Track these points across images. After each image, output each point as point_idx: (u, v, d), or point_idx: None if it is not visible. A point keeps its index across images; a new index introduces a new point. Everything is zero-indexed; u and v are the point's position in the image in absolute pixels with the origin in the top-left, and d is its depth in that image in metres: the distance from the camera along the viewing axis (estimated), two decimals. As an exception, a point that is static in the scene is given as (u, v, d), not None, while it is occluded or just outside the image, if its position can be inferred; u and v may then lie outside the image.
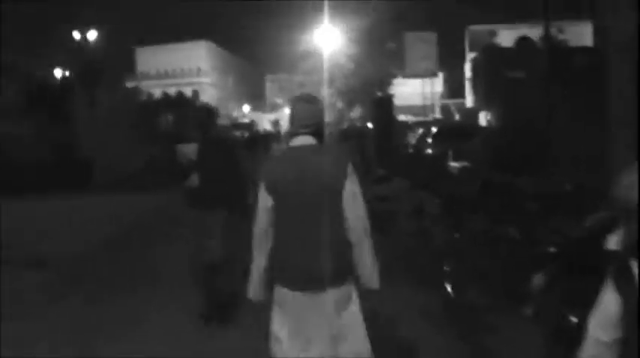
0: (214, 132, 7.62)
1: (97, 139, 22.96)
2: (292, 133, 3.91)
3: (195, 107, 44.16)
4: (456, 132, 22.72)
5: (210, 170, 7.31)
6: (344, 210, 3.68)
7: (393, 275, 8.28)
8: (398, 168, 16.98)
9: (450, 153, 17.26)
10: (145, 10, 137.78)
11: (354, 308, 3.80)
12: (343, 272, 3.73)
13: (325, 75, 40.77)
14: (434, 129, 24.65)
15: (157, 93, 61.98)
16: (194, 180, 7.40)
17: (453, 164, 15.96)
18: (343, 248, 3.71)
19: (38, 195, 19.25)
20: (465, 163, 14.90)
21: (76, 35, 37.89)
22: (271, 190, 3.73)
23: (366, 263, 3.78)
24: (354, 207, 3.71)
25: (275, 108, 76.35)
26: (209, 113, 7.81)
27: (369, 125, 31.58)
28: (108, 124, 24.12)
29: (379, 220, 12.33)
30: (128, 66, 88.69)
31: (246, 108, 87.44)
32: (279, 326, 3.79)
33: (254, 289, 3.95)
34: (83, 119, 24.76)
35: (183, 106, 39.86)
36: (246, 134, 55.12)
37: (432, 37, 61.29)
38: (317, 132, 3.89)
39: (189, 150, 7.53)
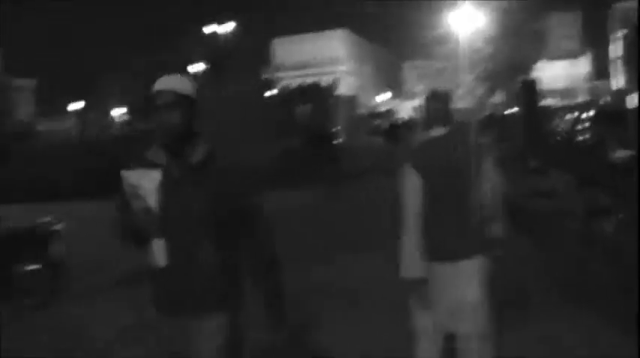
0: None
1: (226, 134, 22.15)
2: (427, 126, 4.36)
3: (332, 97, 43.85)
4: (614, 116, 20.70)
5: None
6: (482, 190, 4.22)
7: (565, 303, 6.45)
8: (551, 158, 15.40)
9: (610, 140, 15.49)
10: (281, 1, 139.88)
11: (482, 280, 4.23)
12: (482, 242, 4.24)
13: (464, 60, 39.08)
14: (585, 114, 22.68)
15: (294, 84, 62.25)
16: None
17: (617, 153, 14.22)
18: (481, 222, 4.24)
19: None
20: (631, 152, 13.15)
21: (212, 29, 38.06)
22: (420, 173, 4.17)
23: (499, 233, 4.34)
24: (491, 189, 4.26)
25: (413, 95, 75.13)
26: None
27: (512, 111, 29.78)
28: (238, 118, 23.51)
29: (535, 219, 10.86)
30: (265, 58, 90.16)
31: (384, 96, 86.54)
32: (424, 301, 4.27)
33: (411, 267, 4.19)
34: (212, 113, 24.36)
35: (321, 96, 39.31)
36: (384, 122, 54.78)
37: (576, 17, 58.01)
38: (448, 123, 4.32)
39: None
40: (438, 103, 4.36)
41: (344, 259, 9.29)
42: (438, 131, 4.29)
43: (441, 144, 4.26)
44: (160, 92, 3.15)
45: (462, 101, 39.06)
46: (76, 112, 54.49)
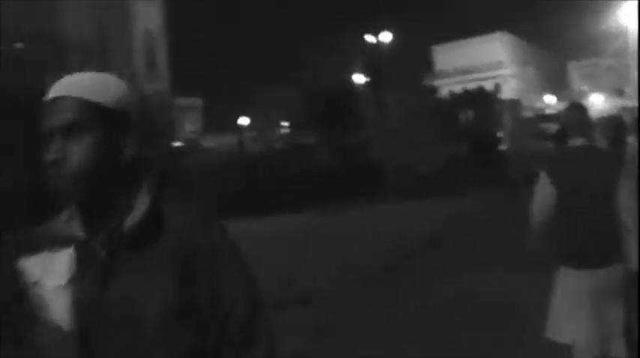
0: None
1: (390, 142, 22.76)
2: (569, 137, 4.53)
3: (496, 101, 43.66)
4: None
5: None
6: (619, 203, 4.23)
7: None
8: None
9: None
10: (439, 8, 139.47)
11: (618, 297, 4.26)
12: (617, 251, 4.26)
13: (634, 56, 37.58)
14: None
15: (458, 90, 62.13)
16: None
17: None
18: (617, 233, 4.27)
19: (330, 205, 18.25)
20: None
21: (370, 39, 38.93)
22: (555, 183, 4.37)
23: (634, 247, 4.21)
24: (629, 202, 4.22)
25: (581, 96, 72.53)
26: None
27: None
28: (402, 126, 24.17)
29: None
30: (426, 65, 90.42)
31: (549, 98, 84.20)
32: (560, 307, 4.34)
33: (536, 241, 4.48)
34: (375, 123, 25.02)
35: (485, 101, 39.30)
36: (552, 125, 53.28)
37: None
38: (588, 134, 4.51)
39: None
40: (576, 114, 4.50)
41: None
42: (576, 141, 4.41)
43: (577, 154, 4.38)
44: (53, 103, 1.73)
45: (631, 100, 37.61)
46: (241, 127, 56.79)
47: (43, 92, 1.84)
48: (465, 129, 31.92)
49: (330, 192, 19.17)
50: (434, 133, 27.12)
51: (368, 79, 32.34)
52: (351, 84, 23.89)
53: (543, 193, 4.41)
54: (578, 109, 4.63)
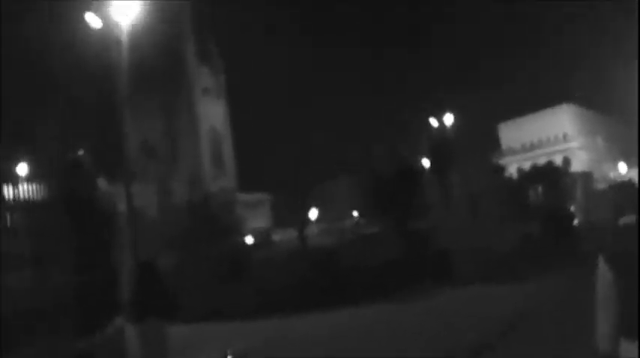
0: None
1: (458, 225, 22.21)
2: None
3: (566, 175, 42.75)
4: None
5: None
6: None
7: None
8: None
9: None
10: (501, 84, 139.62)
11: None
12: None
13: None
14: None
15: (527, 166, 61.55)
16: None
17: None
18: None
19: (400, 293, 17.70)
20: None
21: (433, 121, 38.99)
22: (610, 265, 3.85)
23: None
24: None
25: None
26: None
27: None
28: (469, 207, 23.70)
29: None
30: (493, 144, 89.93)
31: (623, 166, 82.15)
32: None
33: (607, 342, 3.88)
34: (441, 206, 24.64)
35: (554, 175, 38.58)
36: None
37: None
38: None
39: None
40: (624, 192, 4.25)
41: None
42: (628, 218, 4.09)
43: (630, 233, 3.97)
44: None
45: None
46: (308, 221, 57.11)
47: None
48: (536, 206, 31.11)
49: (400, 281, 18.70)
50: (504, 213, 26.44)
51: (432, 163, 32.12)
52: (413, 167, 23.44)
53: (604, 281, 3.95)
54: (624, 187, 4.37)
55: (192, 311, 15.51)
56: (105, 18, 20.03)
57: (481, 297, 16.85)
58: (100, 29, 20.29)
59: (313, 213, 59.11)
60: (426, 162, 31.93)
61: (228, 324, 16.76)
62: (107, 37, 20.02)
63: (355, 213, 39.38)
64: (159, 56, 63.21)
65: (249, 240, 43.73)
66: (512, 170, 53.90)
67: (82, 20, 20.33)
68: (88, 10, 20.08)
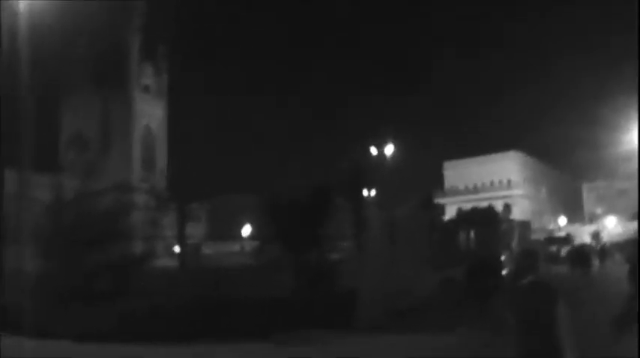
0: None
1: (370, 263, 19.86)
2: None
3: (505, 222, 41.16)
4: None
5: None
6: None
7: None
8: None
9: None
10: (451, 123, 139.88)
11: None
12: None
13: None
14: None
15: (468, 208, 60.46)
16: None
17: None
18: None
19: (289, 334, 15.59)
20: None
21: (373, 151, 37.07)
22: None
23: None
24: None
25: (594, 218, 70.13)
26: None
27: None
28: (390, 246, 21.36)
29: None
30: (435, 181, 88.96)
31: (562, 220, 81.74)
32: None
33: None
34: (355, 240, 22.40)
35: (491, 220, 36.83)
36: (563, 248, 51.10)
37: None
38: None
39: None
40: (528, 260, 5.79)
41: None
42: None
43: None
44: None
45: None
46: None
47: None
48: (464, 250, 29.10)
49: (293, 320, 16.18)
50: (425, 253, 24.27)
51: (350, 191, 29.90)
52: (322, 194, 20.96)
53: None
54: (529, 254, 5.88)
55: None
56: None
57: (378, 348, 14.55)
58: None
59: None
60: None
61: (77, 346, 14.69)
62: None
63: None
64: (102, 48, 60.69)
65: (176, 249, 41.23)
66: (452, 210, 52.44)
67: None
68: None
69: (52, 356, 14.29)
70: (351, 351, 14.34)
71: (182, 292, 18.20)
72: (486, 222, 35.73)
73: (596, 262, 36.07)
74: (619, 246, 43.81)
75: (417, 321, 17.71)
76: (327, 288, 18.00)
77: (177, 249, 34.38)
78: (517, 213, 69.77)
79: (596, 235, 56.02)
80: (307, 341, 15.16)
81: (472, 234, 33.73)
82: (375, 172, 34.56)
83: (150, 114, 66.78)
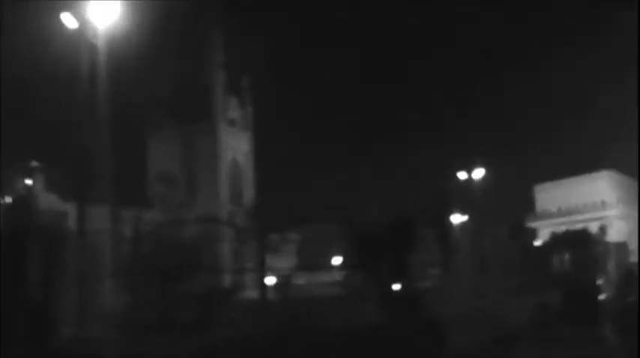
0: None
1: (458, 290, 19.17)
2: None
3: (601, 244, 39.55)
4: None
5: None
6: None
7: None
8: None
9: None
10: (540, 145, 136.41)
11: None
12: None
13: None
14: None
15: (561, 231, 58.52)
16: None
17: None
18: None
19: None
20: None
21: (464, 175, 36.29)
22: None
23: None
24: None
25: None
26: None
27: None
28: (480, 273, 20.65)
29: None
30: (527, 205, 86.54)
31: (660, 241, 78.15)
32: None
33: None
34: (442, 267, 21.78)
35: (586, 244, 35.43)
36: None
37: None
38: None
39: None
40: None
41: None
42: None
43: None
44: None
45: None
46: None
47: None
48: (558, 274, 28.00)
49: (380, 351, 15.72)
50: (518, 279, 23.42)
51: (438, 217, 29.09)
52: (409, 221, 20.37)
53: None
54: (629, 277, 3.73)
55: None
56: (82, 20, 18.12)
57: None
58: (76, 31, 18.32)
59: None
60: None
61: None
62: (81, 40, 18.10)
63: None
64: (185, 83, 62.17)
65: (269, 280, 41.36)
66: (545, 234, 50.87)
67: (58, 21, 18.44)
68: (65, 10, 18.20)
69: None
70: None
71: (267, 323, 18.07)
72: (581, 244, 34.42)
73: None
74: None
75: (511, 350, 17.02)
76: (415, 317, 17.54)
77: (266, 280, 34.38)
78: (613, 235, 67.15)
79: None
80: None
81: (567, 257, 32.55)
82: (464, 197, 33.83)
83: (236, 147, 67.74)
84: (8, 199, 23.34)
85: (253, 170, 69.54)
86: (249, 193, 67.48)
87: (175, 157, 64.81)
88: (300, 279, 47.25)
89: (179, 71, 62.97)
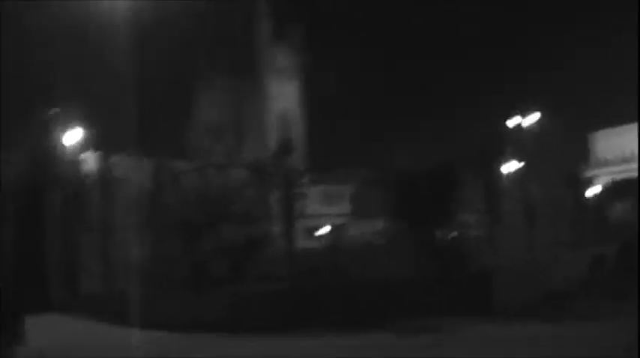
0: None
1: (506, 244, 18.08)
2: None
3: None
4: None
5: None
6: None
7: None
8: None
9: None
10: (600, 91, 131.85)
11: None
12: None
13: None
14: None
15: (616, 180, 56.71)
16: None
17: None
18: None
19: (414, 322, 14.51)
20: None
21: (517, 120, 34.74)
22: None
23: None
24: None
25: None
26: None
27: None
28: (530, 223, 19.49)
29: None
30: (583, 152, 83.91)
31: None
32: None
33: None
34: (488, 217, 20.65)
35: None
36: None
37: None
38: None
39: None
40: None
41: None
42: None
43: None
44: None
45: None
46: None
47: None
48: (616, 225, 26.70)
49: (419, 306, 14.92)
50: (580, 229, 22.28)
51: (485, 164, 27.62)
52: (449, 167, 19.22)
53: None
54: None
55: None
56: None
57: (519, 340, 13.06)
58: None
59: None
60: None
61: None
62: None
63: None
64: (229, 33, 61.27)
65: (324, 230, 41.05)
66: (603, 183, 49.12)
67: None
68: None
69: (156, 346, 14.09)
70: (486, 342, 12.94)
71: (300, 276, 17.51)
72: (637, 193, 32.86)
73: None
74: None
75: (564, 307, 16.03)
76: (458, 270, 16.59)
77: (310, 229, 33.99)
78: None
79: None
80: (435, 329, 13.93)
81: (625, 207, 31.26)
82: (517, 143, 32.45)
83: (285, 96, 66.95)
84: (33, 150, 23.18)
85: (303, 119, 68.64)
86: (298, 143, 66.78)
87: (222, 108, 64.32)
88: (349, 229, 46.90)
89: (225, 21, 62.07)
